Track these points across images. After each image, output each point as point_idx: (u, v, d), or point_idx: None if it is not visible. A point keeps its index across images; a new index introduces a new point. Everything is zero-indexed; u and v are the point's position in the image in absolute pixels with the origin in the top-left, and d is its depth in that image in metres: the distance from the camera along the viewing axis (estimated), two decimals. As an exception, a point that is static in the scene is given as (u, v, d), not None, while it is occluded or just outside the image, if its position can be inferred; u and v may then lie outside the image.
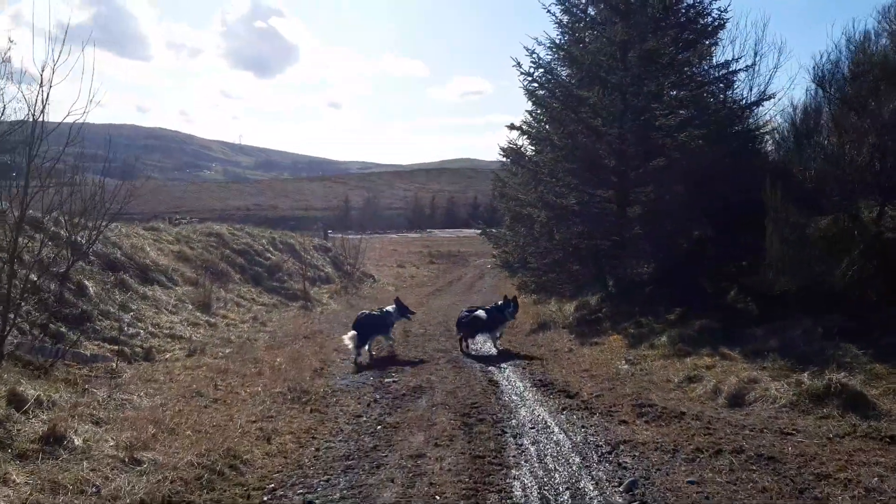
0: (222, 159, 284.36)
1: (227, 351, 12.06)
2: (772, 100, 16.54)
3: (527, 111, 21.71)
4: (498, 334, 13.77)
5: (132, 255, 15.39)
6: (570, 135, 17.27)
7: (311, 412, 8.28)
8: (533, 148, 19.68)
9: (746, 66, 16.18)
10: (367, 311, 13.51)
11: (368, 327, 12.52)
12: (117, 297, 13.10)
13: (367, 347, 12.48)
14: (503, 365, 11.95)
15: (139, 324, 12.28)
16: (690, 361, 10.80)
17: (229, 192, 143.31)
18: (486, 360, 12.60)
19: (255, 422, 7.59)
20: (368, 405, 8.79)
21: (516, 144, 19.84)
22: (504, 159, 21.73)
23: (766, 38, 32.60)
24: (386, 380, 10.45)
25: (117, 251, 15.08)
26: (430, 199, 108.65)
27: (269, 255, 21.95)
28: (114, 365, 10.03)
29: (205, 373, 10.19)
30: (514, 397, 9.38)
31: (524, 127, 18.51)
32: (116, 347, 10.88)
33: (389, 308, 13.65)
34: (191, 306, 14.75)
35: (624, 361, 11.53)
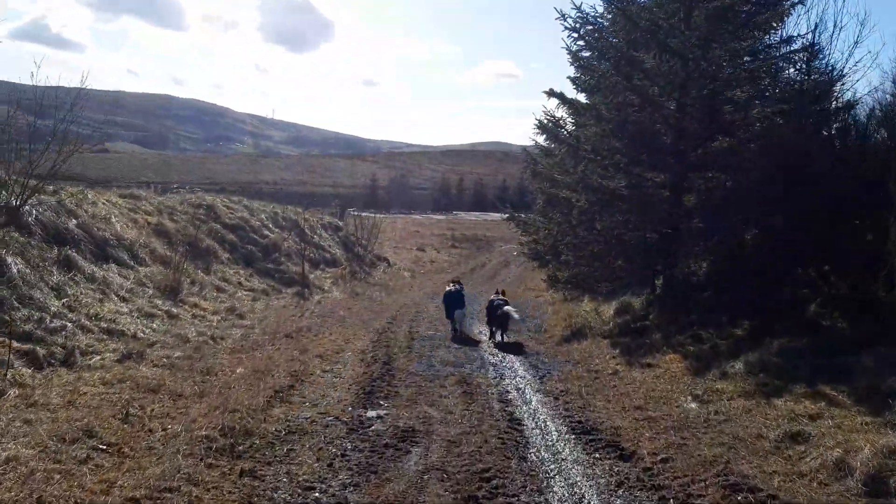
0: (254, 133, 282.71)
1: (177, 355, 9.31)
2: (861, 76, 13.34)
3: (569, 78, 18.61)
4: None
5: (90, 226, 12.70)
6: (620, 106, 14.32)
7: (239, 477, 5.46)
8: (574, 121, 16.63)
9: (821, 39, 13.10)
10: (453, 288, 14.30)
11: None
12: (54, 277, 10.41)
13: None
14: (527, 391, 9.10)
15: (69, 314, 9.57)
16: (784, 405, 7.82)
17: (259, 166, 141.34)
18: (508, 377, 9.77)
19: (136, 501, 4.79)
20: (331, 464, 5.95)
21: (554, 117, 16.79)
22: (538, 136, 18.73)
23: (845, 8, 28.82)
24: (369, 413, 7.60)
25: (70, 221, 12.40)
26: (458, 180, 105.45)
27: (266, 232, 19.20)
28: (5, 375, 7.33)
29: (126, 391, 7.45)
30: (545, 454, 6.53)
31: (565, 95, 15.45)
32: (26, 347, 8.22)
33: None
34: (152, 291, 12.05)
35: (690, 397, 8.59)
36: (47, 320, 9.07)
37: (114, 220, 13.84)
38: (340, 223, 26.79)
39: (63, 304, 9.82)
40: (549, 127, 16.37)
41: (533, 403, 8.54)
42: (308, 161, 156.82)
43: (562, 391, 9.20)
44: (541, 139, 20.18)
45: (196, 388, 7.92)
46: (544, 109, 16.79)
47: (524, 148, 19.37)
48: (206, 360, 9.40)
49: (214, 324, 11.72)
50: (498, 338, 12.99)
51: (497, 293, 14.33)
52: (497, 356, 11.46)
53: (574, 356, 11.63)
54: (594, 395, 9.05)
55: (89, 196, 14.38)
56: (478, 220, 64.23)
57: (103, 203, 14.62)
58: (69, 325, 9.25)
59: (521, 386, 9.45)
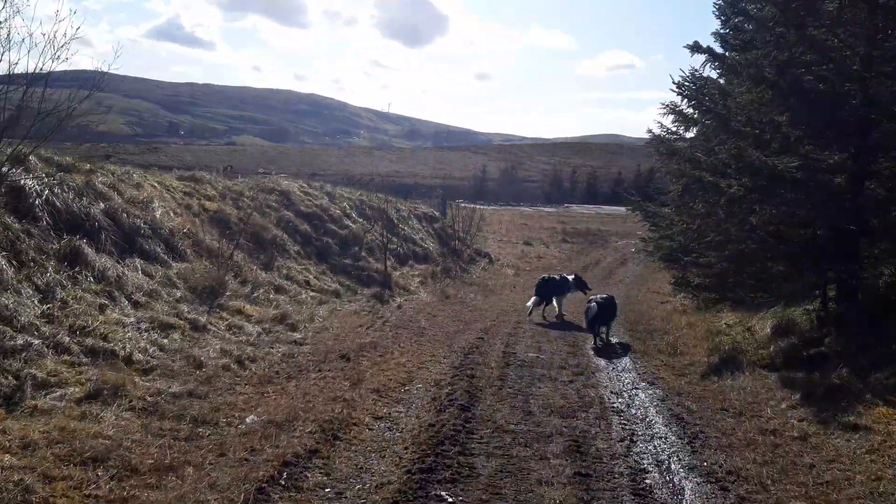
0: (370, 126, 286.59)
1: (172, 390, 6.60)
2: None
3: (714, 34, 14.89)
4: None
5: (118, 211, 10.31)
6: (786, 64, 10.69)
7: None
8: (722, 86, 12.95)
9: None
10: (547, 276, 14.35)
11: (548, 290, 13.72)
12: (47, 275, 8.00)
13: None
14: (675, 469, 5.85)
15: (43, 327, 7.07)
16: None
17: (372, 158, 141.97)
18: (642, 439, 6.50)
19: None
20: None
21: (697, 78, 13.13)
22: (664, 118, 15.07)
23: None
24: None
25: (96, 205, 10.05)
26: (570, 172, 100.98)
27: (347, 222, 16.54)
28: None
29: (49, 462, 4.75)
30: None
31: (714, 50, 11.79)
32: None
33: (569, 277, 14.63)
34: (182, 293, 9.50)
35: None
36: (6, 336, 6.58)
37: (156, 204, 11.45)
38: (437, 214, 23.90)
39: (42, 312, 7.34)
40: (690, 91, 12.69)
41: (687, 498, 5.25)
42: (420, 153, 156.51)
43: (729, 472, 5.83)
44: (668, 120, 16.52)
45: (167, 456, 5.12)
46: (680, 76, 13.11)
47: (649, 130, 15.70)
48: (213, 397, 6.65)
49: (252, 338, 9.01)
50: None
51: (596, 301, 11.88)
52: (622, 396, 8.15)
53: (732, 400, 8.14)
54: (781, 481, 5.65)
55: (134, 176, 12.08)
56: (591, 214, 60.03)
57: (151, 185, 12.30)
58: (36, 342, 6.72)
59: (663, 458, 6.14)
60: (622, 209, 69.27)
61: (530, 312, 13.51)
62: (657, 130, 16.20)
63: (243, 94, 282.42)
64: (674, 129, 15.85)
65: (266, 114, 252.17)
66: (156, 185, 12.57)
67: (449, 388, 7.77)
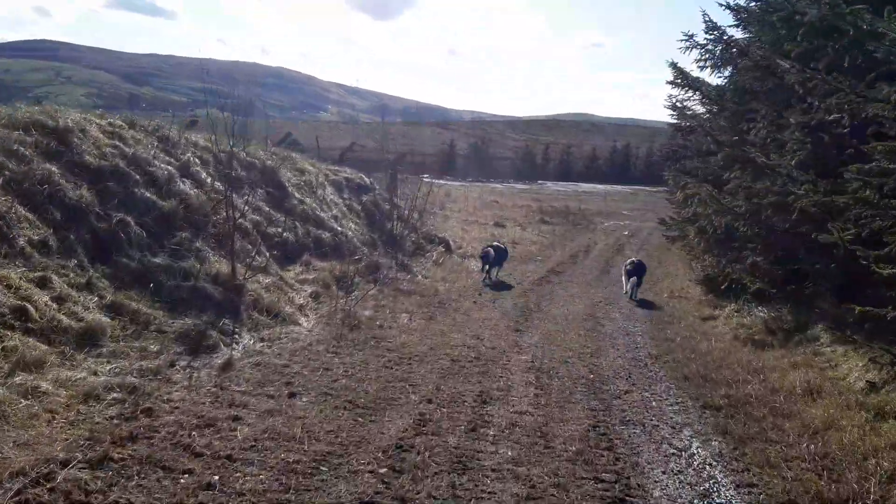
0: (339, 101, 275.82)
1: None
2: None
3: None
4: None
5: None
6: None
7: None
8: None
9: None
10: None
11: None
12: None
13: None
14: None
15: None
16: None
17: (338, 132, 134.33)
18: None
19: None
20: None
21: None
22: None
23: None
24: None
25: None
26: (543, 149, 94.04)
27: (181, 186, 9.03)
28: None
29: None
30: None
31: None
32: None
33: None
34: None
35: None
36: None
37: None
38: (368, 182, 16.54)
39: None
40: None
41: None
42: (388, 129, 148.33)
43: None
44: (691, 58, 9.91)
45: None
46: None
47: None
48: None
49: None
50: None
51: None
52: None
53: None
54: None
55: None
56: (567, 191, 53.11)
57: None
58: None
59: None
60: (600, 186, 62.90)
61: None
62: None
63: (207, 67, 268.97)
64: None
65: (231, 87, 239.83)
66: None
67: None
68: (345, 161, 30.79)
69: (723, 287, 11.56)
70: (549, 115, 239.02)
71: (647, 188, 61.70)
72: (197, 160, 10.15)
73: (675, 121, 18.57)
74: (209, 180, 9.84)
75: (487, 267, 13.30)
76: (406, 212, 15.30)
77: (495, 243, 14.35)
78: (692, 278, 14.77)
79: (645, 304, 12.70)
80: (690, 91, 13.83)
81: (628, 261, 14.10)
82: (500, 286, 13.25)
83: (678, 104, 17.11)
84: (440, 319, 9.60)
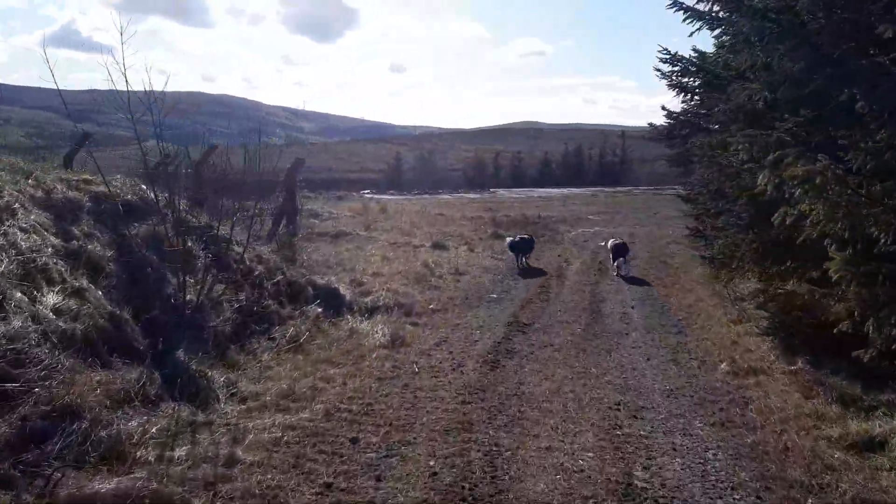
0: (286, 125, 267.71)
1: None
2: None
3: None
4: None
5: None
6: None
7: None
8: None
9: None
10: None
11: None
12: None
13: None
14: None
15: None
16: None
17: (283, 156, 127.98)
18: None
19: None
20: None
21: None
22: None
23: None
24: None
25: None
26: (493, 157, 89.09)
27: None
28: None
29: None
30: None
31: None
32: None
33: None
34: None
35: None
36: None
37: None
38: (155, 197, 9.94)
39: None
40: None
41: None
42: (334, 148, 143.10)
43: None
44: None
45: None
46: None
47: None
48: None
49: None
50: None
51: None
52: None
53: None
54: None
55: None
56: (522, 197, 47.64)
57: None
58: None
59: None
60: (556, 190, 57.63)
61: None
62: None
63: (149, 99, 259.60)
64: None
65: (175, 117, 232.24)
66: None
67: None
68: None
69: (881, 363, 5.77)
70: (496, 125, 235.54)
71: (606, 189, 56.99)
72: None
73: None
74: None
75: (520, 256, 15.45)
76: (243, 244, 9.24)
77: (520, 236, 15.98)
78: (767, 343, 8.83)
79: (702, 396, 6.92)
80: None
81: (610, 242, 15.42)
82: (422, 380, 7.33)
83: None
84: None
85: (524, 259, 15.37)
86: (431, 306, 10.65)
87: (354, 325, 8.82)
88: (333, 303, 9.67)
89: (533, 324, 9.98)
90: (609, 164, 78.59)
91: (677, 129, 18.19)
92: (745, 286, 11.03)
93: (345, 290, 10.30)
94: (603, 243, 20.66)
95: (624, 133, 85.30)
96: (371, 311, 9.65)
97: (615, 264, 14.58)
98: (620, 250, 14.69)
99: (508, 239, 16.10)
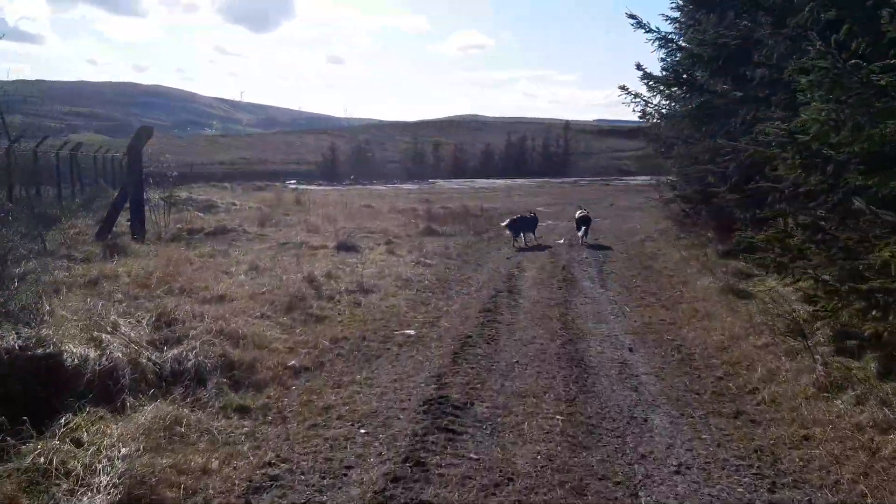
0: (223, 116, 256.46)
1: None
2: None
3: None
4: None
5: None
6: None
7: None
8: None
9: None
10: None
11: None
12: None
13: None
14: None
15: None
16: None
17: (217, 147, 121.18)
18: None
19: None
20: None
21: None
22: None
23: None
24: None
25: None
26: (433, 148, 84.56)
27: None
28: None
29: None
30: None
31: None
32: None
33: None
34: None
35: None
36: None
37: None
38: None
39: None
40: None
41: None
42: (271, 139, 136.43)
43: None
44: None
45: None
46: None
47: None
48: None
49: None
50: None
51: None
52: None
53: None
54: None
55: None
56: (462, 188, 43.18)
57: None
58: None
59: None
60: (499, 181, 53.23)
61: None
62: None
63: (80, 89, 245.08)
64: None
65: (107, 108, 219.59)
66: None
67: None
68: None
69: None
70: (438, 118, 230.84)
71: (552, 180, 53.13)
72: None
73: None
74: None
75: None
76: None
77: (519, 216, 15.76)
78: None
79: None
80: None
81: (577, 214, 16.13)
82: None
83: None
84: None
85: (531, 235, 15.82)
86: (293, 362, 5.94)
87: (46, 460, 3.70)
88: (45, 390, 4.56)
89: (471, 404, 5.34)
90: (553, 156, 75.10)
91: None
92: (784, 300, 6.72)
93: (98, 353, 5.12)
94: (561, 241, 16.31)
95: (568, 125, 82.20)
96: (164, 383, 4.78)
97: (580, 233, 15.56)
98: (584, 221, 15.70)
99: (507, 220, 15.86)
